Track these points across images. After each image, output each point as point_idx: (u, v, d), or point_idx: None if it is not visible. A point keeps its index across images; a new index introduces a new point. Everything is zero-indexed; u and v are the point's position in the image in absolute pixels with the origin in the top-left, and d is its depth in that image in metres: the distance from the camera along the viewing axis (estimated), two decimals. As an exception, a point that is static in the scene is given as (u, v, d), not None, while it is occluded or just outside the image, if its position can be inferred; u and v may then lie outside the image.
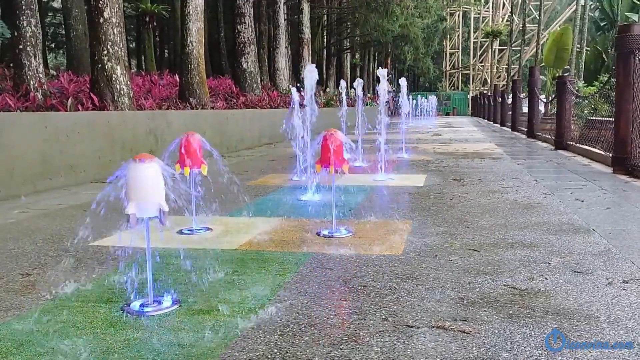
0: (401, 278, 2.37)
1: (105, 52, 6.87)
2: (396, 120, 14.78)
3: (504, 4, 50.88)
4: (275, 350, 1.69)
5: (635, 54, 5.49)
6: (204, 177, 3.28)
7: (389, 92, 6.59)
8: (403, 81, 8.38)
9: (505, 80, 37.48)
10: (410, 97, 19.38)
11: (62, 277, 2.45)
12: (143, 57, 24.84)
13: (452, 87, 54.50)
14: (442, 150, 9.18)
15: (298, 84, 5.18)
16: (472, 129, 17.06)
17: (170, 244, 3.00)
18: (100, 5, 6.80)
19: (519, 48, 32.54)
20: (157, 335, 1.83)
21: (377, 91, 6.24)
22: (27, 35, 6.62)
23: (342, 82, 8.94)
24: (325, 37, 31.16)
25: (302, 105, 4.95)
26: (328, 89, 25.76)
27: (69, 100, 6.53)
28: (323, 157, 2.99)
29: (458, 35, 54.15)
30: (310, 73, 4.65)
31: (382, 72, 6.10)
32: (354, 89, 8.06)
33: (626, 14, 24.76)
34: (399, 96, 8.44)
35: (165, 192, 1.98)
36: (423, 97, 25.65)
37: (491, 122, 22.64)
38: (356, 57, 38.83)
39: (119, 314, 2.01)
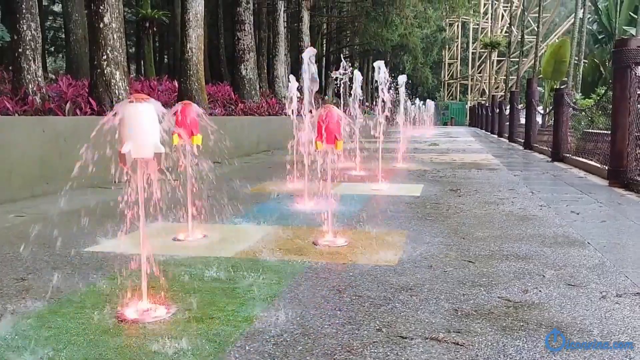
0: (396, 288, 2.37)
1: (105, 57, 6.88)
2: (394, 129, 14.81)
3: (502, 16, 51.21)
4: (269, 360, 1.69)
5: (632, 68, 5.52)
6: (200, 185, 3.28)
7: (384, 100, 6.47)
8: (402, 78, 8.05)
9: (503, 91, 37.64)
10: (409, 102, 19.39)
11: (56, 283, 2.44)
12: (142, 63, 24.88)
13: (451, 97, 54.71)
14: (440, 160, 9.20)
15: (295, 77, 5.12)
16: (470, 139, 17.11)
17: (166, 250, 3.00)
18: (100, 10, 6.82)
19: (517, 59, 32.70)
20: (151, 342, 1.82)
21: (376, 82, 6.10)
22: (27, 39, 6.63)
23: (343, 62, 8.50)
24: (324, 45, 31.28)
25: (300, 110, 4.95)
26: (327, 97, 25.83)
27: (67, 104, 6.53)
28: (320, 133, 2.98)
29: (457, 46, 54.44)
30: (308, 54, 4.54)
31: (379, 64, 6.06)
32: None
33: (624, 27, 24.91)
34: (396, 99, 8.18)
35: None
36: (421, 103, 25.68)
37: (489, 133, 22.71)
38: (355, 65, 38.97)
39: (112, 321, 2.00)
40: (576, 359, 1.71)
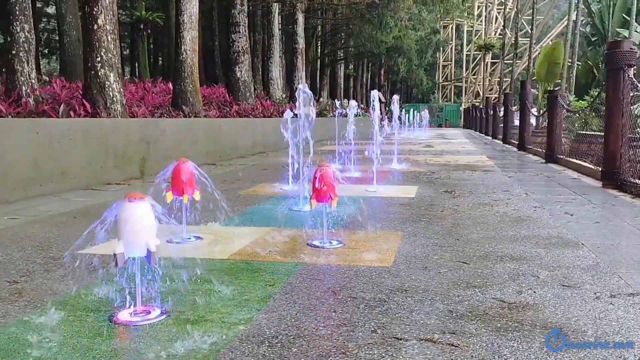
0: (391, 290, 2.37)
1: (99, 58, 6.86)
2: (389, 131, 14.86)
3: (496, 18, 51.45)
4: (263, 362, 1.69)
5: (625, 70, 5.55)
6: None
7: (381, 102, 6.88)
8: (396, 98, 8.68)
9: (497, 93, 37.77)
10: (404, 109, 19.69)
11: (49, 286, 2.43)
12: (137, 64, 24.81)
13: (445, 99, 54.88)
14: (434, 161, 9.21)
15: (292, 110, 5.17)
16: (464, 141, 17.15)
17: (160, 252, 2.98)
18: (94, 12, 6.80)
19: (511, 62, 32.84)
20: (145, 345, 1.81)
21: (372, 106, 6.48)
22: (20, 40, 6.61)
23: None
24: (319, 47, 31.31)
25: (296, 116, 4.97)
26: (321, 99, 25.84)
27: (61, 106, 6.51)
28: (316, 192, 3.00)
29: (451, 48, 54.67)
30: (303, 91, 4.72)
31: (375, 94, 6.30)
32: (348, 100, 8.23)
33: (617, 29, 25.03)
34: (391, 109, 8.93)
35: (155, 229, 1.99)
36: (415, 111, 25.96)
37: (483, 135, 22.78)
38: (350, 67, 39.01)
39: (106, 324, 1.99)
40: (571, 359, 1.71)
